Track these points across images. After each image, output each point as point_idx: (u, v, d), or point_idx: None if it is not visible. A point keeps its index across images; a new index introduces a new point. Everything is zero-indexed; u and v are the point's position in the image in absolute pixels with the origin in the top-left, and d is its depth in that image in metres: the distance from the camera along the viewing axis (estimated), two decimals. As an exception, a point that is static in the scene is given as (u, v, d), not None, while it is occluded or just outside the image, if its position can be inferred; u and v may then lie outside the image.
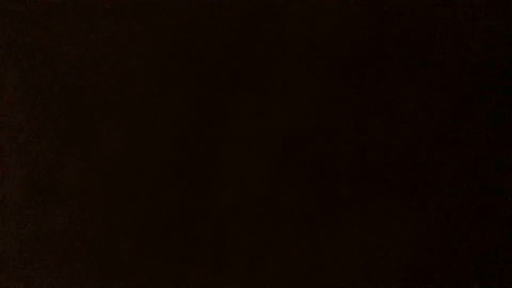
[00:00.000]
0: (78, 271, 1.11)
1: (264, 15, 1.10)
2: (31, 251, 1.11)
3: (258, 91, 1.11)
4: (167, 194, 1.11)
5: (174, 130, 1.11)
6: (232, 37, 1.09)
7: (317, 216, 1.11)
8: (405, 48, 1.10)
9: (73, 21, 1.08)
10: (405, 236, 1.10)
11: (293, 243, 1.12)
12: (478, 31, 1.08)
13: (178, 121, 1.11)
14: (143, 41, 1.10)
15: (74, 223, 1.11)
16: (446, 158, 1.10)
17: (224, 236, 1.12)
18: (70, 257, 1.11)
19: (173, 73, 1.11)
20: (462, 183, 1.10)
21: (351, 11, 1.09)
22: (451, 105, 1.10)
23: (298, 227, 1.12)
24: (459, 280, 1.10)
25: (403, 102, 1.10)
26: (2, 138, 1.09)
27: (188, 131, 1.11)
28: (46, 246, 1.11)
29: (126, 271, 1.12)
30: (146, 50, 1.10)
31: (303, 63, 1.10)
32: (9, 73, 1.08)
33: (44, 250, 1.11)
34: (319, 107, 1.11)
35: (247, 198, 1.12)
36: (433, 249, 1.10)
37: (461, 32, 1.08)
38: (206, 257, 1.12)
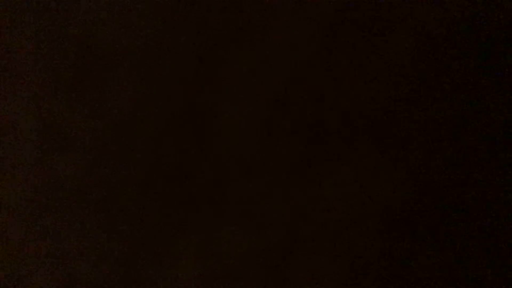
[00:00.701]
0: (86, 216, 1.19)
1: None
2: (43, 199, 1.19)
3: (253, 49, 1.18)
4: (170, 144, 1.19)
5: (175, 86, 1.18)
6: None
7: (308, 164, 1.20)
8: (391, 9, 1.17)
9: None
10: (387, 184, 1.18)
11: (287, 189, 1.20)
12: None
13: (179, 77, 1.18)
14: (146, 2, 1.17)
15: (83, 171, 1.18)
16: (427, 110, 1.18)
17: (222, 184, 1.20)
18: (79, 204, 1.19)
19: (174, 33, 1.18)
20: (440, 133, 1.18)
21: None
22: (434, 63, 1.17)
23: (290, 175, 1.20)
24: (439, 223, 1.18)
25: (388, 60, 1.17)
26: (17, 91, 1.16)
27: (189, 86, 1.19)
28: (57, 193, 1.19)
29: (131, 217, 1.20)
30: (149, 11, 1.17)
31: (294, 21, 1.18)
32: (23, 33, 1.15)
33: (55, 197, 1.19)
34: (309, 63, 1.18)
35: (243, 148, 1.20)
36: (412, 195, 1.18)
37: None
38: (205, 203, 1.21)
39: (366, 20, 1.17)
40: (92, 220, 1.20)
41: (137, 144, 1.19)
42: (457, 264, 1.18)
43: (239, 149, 1.20)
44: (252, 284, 1.21)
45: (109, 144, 1.18)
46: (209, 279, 1.21)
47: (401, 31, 1.17)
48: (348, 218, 1.19)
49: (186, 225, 1.21)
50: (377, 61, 1.18)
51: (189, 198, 1.20)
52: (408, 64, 1.17)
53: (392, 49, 1.17)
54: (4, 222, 1.19)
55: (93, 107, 1.17)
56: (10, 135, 1.16)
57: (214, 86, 1.19)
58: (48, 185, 1.18)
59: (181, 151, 1.20)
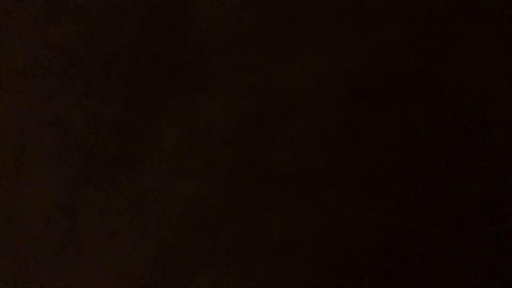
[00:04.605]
0: (82, 83, 1.33)
1: None
2: (45, 64, 1.34)
3: None
4: (156, 19, 1.32)
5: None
6: None
7: (280, 42, 1.29)
8: None
9: None
10: (348, 59, 1.26)
11: (260, 64, 1.30)
12: None
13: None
14: None
15: (78, 41, 1.33)
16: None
17: (203, 57, 1.32)
18: (75, 71, 1.34)
19: None
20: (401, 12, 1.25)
21: None
22: None
23: (264, 51, 1.30)
24: (398, 94, 1.25)
25: None
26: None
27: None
28: (56, 60, 1.34)
29: (121, 85, 1.34)
30: None
31: None
32: None
33: (54, 64, 1.34)
34: None
35: (223, 26, 1.31)
36: (371, 70, 1.26)
37: None
38: (188, 75, 1.32)
39: None
40: (87, 87, 1.34)
41: (127, 18, 1.32)
42: (412, 130, 1.24)
43: (219, 26, 1.31)
44: (230, 147, 1.31)
45: (102, 17, 1.32)
46: (191, 145, 1.33)
47: None
48: (313, 90, 1.28)
49: (171, 94, 1.33)
50: None
51: (173, 70, 1.32)
52: None
53: None
54: (11, 84, 1.34)
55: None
56: (18, 4, 1.32)
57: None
58: (47, 53, 1.33)
59: (166, 26, 1.32)
